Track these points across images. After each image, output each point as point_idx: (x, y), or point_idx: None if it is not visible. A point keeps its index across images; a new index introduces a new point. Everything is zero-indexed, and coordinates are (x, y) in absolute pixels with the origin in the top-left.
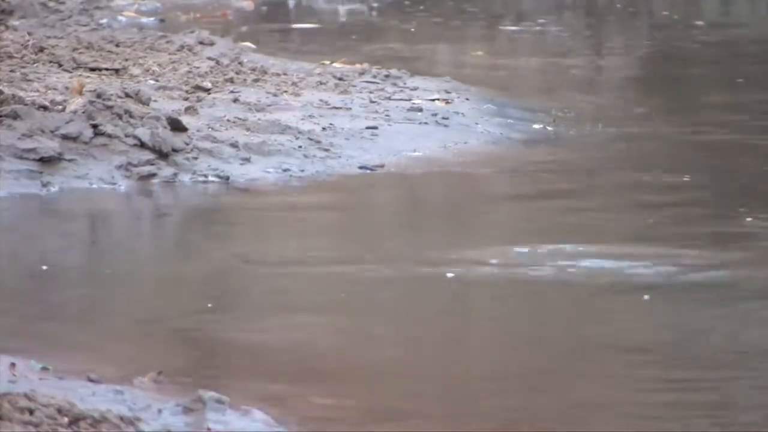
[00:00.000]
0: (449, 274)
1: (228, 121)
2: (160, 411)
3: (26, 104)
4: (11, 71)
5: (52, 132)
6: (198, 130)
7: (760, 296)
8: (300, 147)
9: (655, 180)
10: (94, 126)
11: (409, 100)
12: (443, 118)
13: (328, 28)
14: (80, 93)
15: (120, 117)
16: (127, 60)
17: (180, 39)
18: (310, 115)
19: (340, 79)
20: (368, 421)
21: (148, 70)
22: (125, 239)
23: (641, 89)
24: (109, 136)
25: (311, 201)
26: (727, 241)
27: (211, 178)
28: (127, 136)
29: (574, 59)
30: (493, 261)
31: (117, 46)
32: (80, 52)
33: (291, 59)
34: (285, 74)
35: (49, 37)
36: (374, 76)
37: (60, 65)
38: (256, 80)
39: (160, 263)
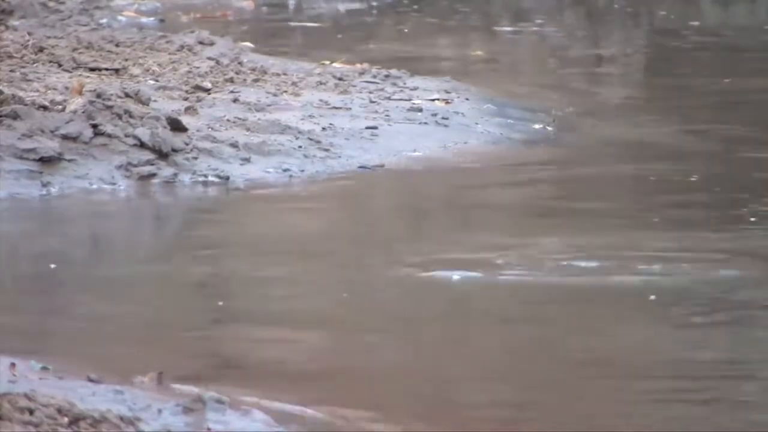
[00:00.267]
0: (455, 277)
1: (228, 121)
2: (160, 411)
3: (26, 104)
4: (11, 71)
5: (52, 132)
6: (198, 130)
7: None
8: (300, 147)
9: (656, 180)
10: (94, 126)
11: (409, 100)
12: (443, 118)
13: (328, 28)
14: (80, 93)
15: (120, 117)
16: (127, 60)
17: (180, 39)
18: (310, 115)
19: (340, 79)
20: (369, 421)
21: (148, 70)
22: (126, 239)
23: (638, 89)
24: (109, 136)
25: (311, 201)
26: (731, 243)
27: (211, 178)
28: (127, 136)
29: (572, 59)
30: (499, 262)
31: (117, 46)
32: (80, 52)
33: (291, 59)
34: (285, 74)
35: (49, 37)
36: (374, 76)
37: (60, 65)
38: (256, 80)
39: (160, 264)
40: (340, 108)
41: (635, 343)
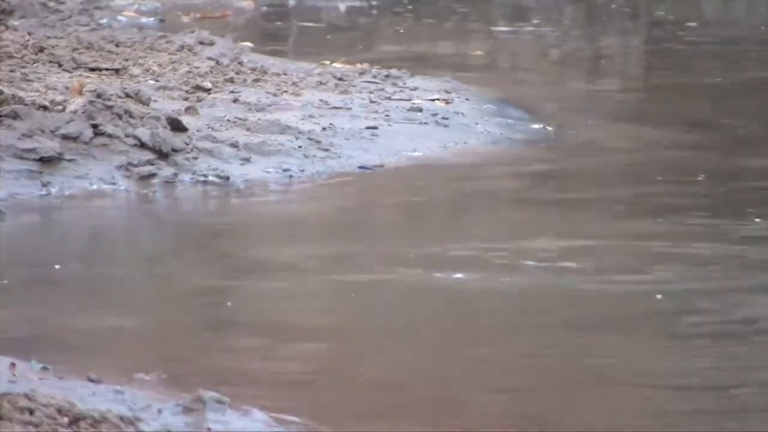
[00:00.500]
0: (455, 277)
1: (228, 121)
2: (160, 411)
3: (26, 104)
4: (11, 71)
5: (52, 132)
6: (198, 130)
7: None
8: (300, 147)
9: (658, 180)
10: (94, 126)
11: (409, 100)
12: (443, 118)
13: (328, 28)
14: (80, 93)
15: (120, 117)
16: (127, 60)
17: (180, 39)
18: (310, 115)
19: (340, 79)
20: (368, 421)
21: (148, 70)
22: (126, 240)
23: (637, 89)
24: (109, 136)
25: (312, 201)
26: (736, 242)
27: (211, 178)
28: (127, 136)
29: (572, 59)
30: (500, 262)
31: (117, 46)
32: (80, 52)
33: (291, 59)
34: (285, 74)
35: (49, 37)
36: (374, 76)
37: (60, 65)
38: (256, 80)
39: (161, 264)
40: (340, 108)
41: (635, 350)
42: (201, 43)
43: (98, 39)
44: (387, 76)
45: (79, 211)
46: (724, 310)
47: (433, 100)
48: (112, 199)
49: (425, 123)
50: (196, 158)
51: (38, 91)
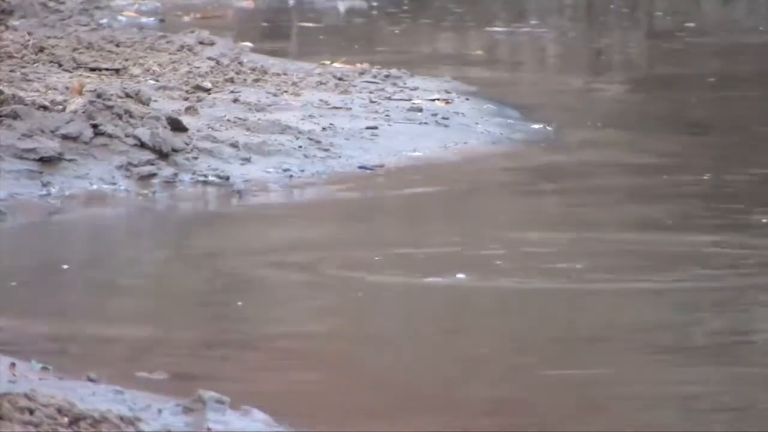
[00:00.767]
0: (459, 275)
1: (228, 121)
2: (160, 411)
3: (26, 104)
4: (11, 71)
5: (52, 132)
6: (198, 130)
7: None
8: (300, 147)
9: (660, 181)
10: (94, 126)
11: (409, 100)
12: (443, 118)
13: (328, 28)
14: (80, 93)
15: (120, 117)
16: (127, 60)
17: (180, 39)
18: (310, 115)
19: (340, 79)
20: (369, 421)
21: (148, 70)
22: (127, 240)
23: (636, 89)
24: (110, 136)
25: (312, 201)
26: (741, 242)
27: (211, 178)
28: (127, 136)
29: (571, 60)
30: (501, 262)
31: (117, 46)
32: (80, 52)
33: (291, 59)
34: (285, 74)
35: (49, 37)
36: (374, 76)
37: (60, 65)
38: (256, 80)
39: (161, 264)
40: (340, 108)
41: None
42: (201, 43)
43: (98, 39)
44: (387, 76)
45: (80, 211)
46: (730, 315)
47: (433, 100)
48: (112, 199)
49: (425, 123)
50: (196, 158)
51: (38, 91)
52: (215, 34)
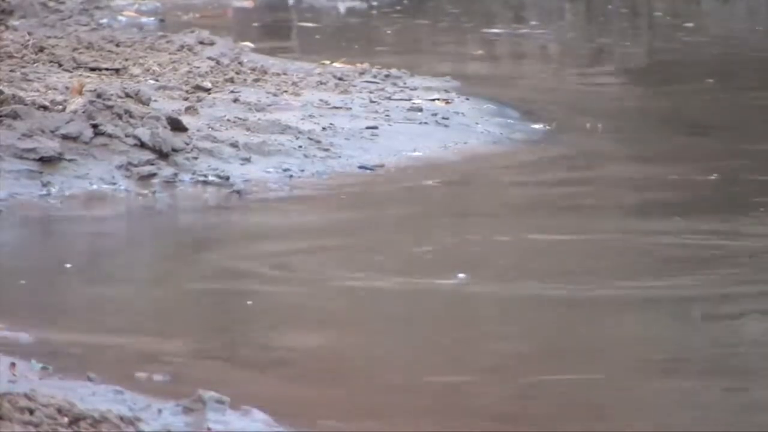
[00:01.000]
0: (460, 275)
1: (228, 121)
2: (160, 411)
3: (26, 104)
4: (11, 71)
5: (52, 132)
6: (198, 130)
7: None
8: (300, 147)
9: (662, 181)
10: (94, 126)
11: (409, 99)
12: (443, 117)
13: (328, 27)
14: (80, 93)
15: (120, 117)
16: (127, 60)
17: (180, 39)
18: (310, 115)
19: (340, 78)
20: (369, 421)
21: (148, 70)
22: (127, 240)
23: (635, 89)
24: (110, 136)
25: (313, 200)
26: (743, 243)
27: (211, 178)
28: (127, 136)
29: (570, 60)
30: (502, 262)
31: (117, 45)
32: (80, 52)
33: (291, 59)
34: (285, 74)
35: (49, 37)
36: (374, 76)
37: (60, 65)
38: (256, 80)
39: (162, 265)
40: (341, 108)
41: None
42: (201, 43)
43: (98, 39)
44: (387, 76)
45: (80, 211)
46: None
47: (433, 100)
48: (112, 198)
49: (425, 123)
50: (196, 158)
51: (38, 91)
52: (215, 34)
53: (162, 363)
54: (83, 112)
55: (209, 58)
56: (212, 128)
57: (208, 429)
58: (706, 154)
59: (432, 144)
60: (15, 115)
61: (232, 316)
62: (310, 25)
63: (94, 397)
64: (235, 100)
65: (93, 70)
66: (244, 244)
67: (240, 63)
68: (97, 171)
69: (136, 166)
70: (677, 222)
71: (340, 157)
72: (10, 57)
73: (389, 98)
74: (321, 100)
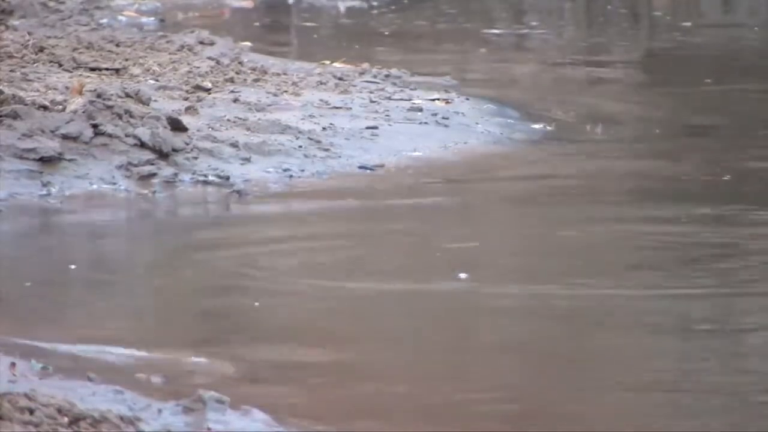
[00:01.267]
0: (461, 275)
1: (228, 120)
2: (160, 411)
3: (26, 104)
4: (11, 71)
5: (52, 132)
6: (198, 130)
7: None
8: (300, 147)
9: (660, 180)
10: (94, 126)
11: (409, 99)
12: (443, 117)
13: (328, 27)
14: (80, 93)
15: (120, 117)
16: (127, 60)
17: (180, 39)
18: (310, 115)
19: (340, 78)
20: (369, 421)
21: (148, 70)
22: (127, 240)
23: (635, 90)
24: (110, 135)
25: (313, 201)
26: (746, 243)
27: (211, 178)
28: (127, 136)
29: (570, 60)
30: (503, 262)
31: (117, 45)
32: (80, 52)
33: (291, 59)
34: (285, 74)
35: (49, 37)
36: (374, 76)
37: (60, 65)
38: (256, 80)
39: (162, 266)
40: (341, 108)
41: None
42: (201, 43)
43: (98, 39)
44: (387, 76)
45: (80, 211)
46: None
47: (433, 99)
48: (112, 198)
49: (425, 123)
50: (196, 158)
51: (38, 91)
52: (215, 34)
53: (162, 363)
54: (83, 112)
55: (209, 58)
56: (212, 128)
57: (208, 429)
58: (706, 153)
59: (432, 144)
60: (15, 115)
61: (233, 316)
62: (310, 24)
63: (94, 397)
64: (235, 100)
65: (93, 70)
66: (245, 244)
67: (240, 63)
68: (97, 171)
69: (136, 166)
70: (681, 221)
71: (340, 157)
72: (10, 57)
73: (389, 98)
74: (321, 100)
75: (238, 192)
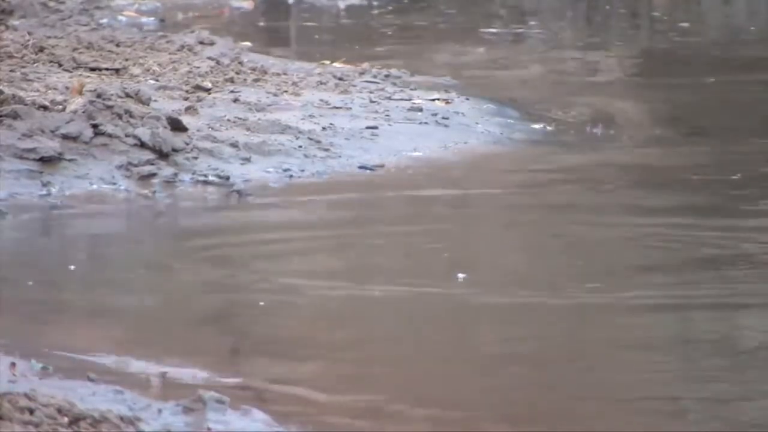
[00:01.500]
0: (460, 275)
1: (228, 121)
2: (160, 411)
3: (26, 104)
4: (11, 71)
5: (52, 132)
6: (198, 130)
7: None
8: (300, 147)
9: (660, 180)
10: (94, 126)
11: (409, 99)
12: (443, 117)
13: (328, 27)
14: (80, 93)
15: (120, 117)
16: (127, 60)
17: (180, 39)
18: (310, 115)
19: (340, 78)
20: (368, 421)
21: (148, 70)
22: (127, 241)
23: (635, 90)
24: (110, 135)
25: (313, 201)
26: (746, 240)
27: (211, 178)
28: (127, 135)
29: (570, 60)
30: (503, 261)
31: (117, 45)
32: (80, 52)
33: (291, 59)
34: (285, 74)
35: (49, 37)
36: (374, 76)
37: (60, 65)
38: (256, 80)
39: (162, 266)
40: (341, 108)
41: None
42: (201, 43)
43: (98, 39)
44: (387, 76)
45: (80, 211)
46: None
47: (433, 99)
48: (112, 198)
49: (425, 123)
50: (196, 158)
51: (38, 91)
52: (215, 34)
53: (162, 363)
54: (83, 112)
55: (209, 58)
56: (212, 128)
57: (208, 429)
58: (707, 153)
59: (432, 144)
60: (15, 115)
61: (233, 316)
62: (310, 24)
63: (94, 397)
64: (235, 100)
65: (93, 70)
66: (245, 244)
67: (240, 63)
68: (97, 171)
69: (136, 166)
70: (683, 221)
71: (340, 157)
72: (10, 57)
73: (389, 98)
74: (321, 100)
75: (238, 192)
